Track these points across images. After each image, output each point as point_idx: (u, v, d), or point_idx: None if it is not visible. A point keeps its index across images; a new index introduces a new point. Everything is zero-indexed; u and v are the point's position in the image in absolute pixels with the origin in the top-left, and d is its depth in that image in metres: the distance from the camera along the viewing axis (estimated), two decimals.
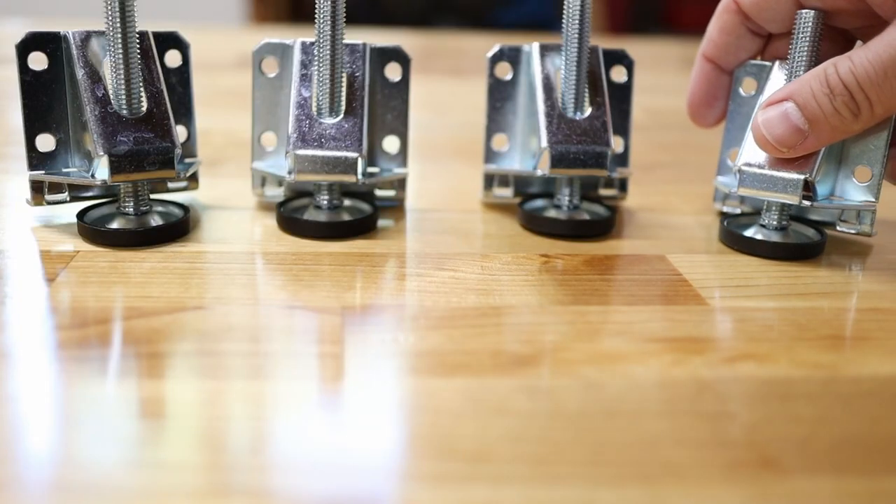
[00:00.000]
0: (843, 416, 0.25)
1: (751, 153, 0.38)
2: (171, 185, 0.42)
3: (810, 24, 0.37)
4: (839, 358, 0.29)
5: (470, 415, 0.25)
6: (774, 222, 0.39)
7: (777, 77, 0.40)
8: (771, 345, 0.30)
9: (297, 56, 0.40)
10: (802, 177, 0.36)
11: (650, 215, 0.44)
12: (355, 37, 0.41)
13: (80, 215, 0.37)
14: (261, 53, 0.41)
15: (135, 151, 0.36)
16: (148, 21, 0.39)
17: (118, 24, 0.36)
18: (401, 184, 0.43)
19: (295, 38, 0.41)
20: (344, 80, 0.39)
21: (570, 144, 0.39)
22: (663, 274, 0.36)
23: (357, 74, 0.40)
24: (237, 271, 0.34)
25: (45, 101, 0.37)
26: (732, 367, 0.28)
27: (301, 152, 0.38)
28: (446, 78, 0.89)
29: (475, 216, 0.43)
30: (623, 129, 0.44)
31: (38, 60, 0.37)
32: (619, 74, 0.43)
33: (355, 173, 0.38)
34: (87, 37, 0.37)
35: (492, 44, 0.43)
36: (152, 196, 0.40)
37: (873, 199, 0.38)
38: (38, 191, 0.38)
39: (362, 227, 0.39)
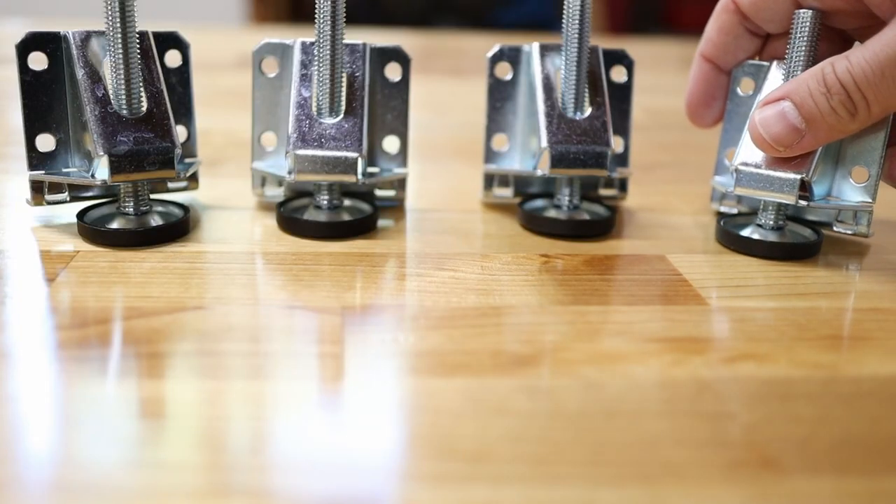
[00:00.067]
0: (843, 416, 0.25)
1: (747, 153, 0.38)
2: (171, 185, 0.42)
3: (808, 23, 0.37)
4: (839, 358, 0.29)
5: (470, 415, 0.25)
6: (771, 222, 0.39)
7: (775, 77, 0.40)
8: (771, 345, 0.30)
9: (297, 56, 0.40)
10: (799, 177, 0.36)
11: (650, 215, 0.44)
12: (355, 37, 0.41)
13: (80, 215, 0.37)
14: (261, 53, 0.41)
15: (135, 151, 0.36)
16: (148, 21, 0.39)
17: (118, 24, 0.36)
18: (401, 184, 0.43)
19: (295, 38, 0.41)
20: (344, 80, 0.39)
21: (570, 144, 0.39)
22: (663, 274, 0.36)
23: (357, 74, 0.40)
24: (237, 271, 0.34)
25: (45, 101, 0.37)
26: (732, 367, 0.28)
27: (301, 152, 0.38)
28: (446, 78, 0.89)
29: (475, 216, 0.43)
30: (623, 129, 0.44)
31: (38, 60, 0.37)
32: (619, 74, 0.43)
33: (355, 173, 0.38)
34: (87, 37, 0.37)
35: (492, 44, 0.43)
36: (152, 196, 0.40)
37: (870, 200, 0.38)
38: (38, 191, 0.38)
39: (362, 227, 0.39)
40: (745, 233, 0.39)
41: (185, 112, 0.41)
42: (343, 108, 0.39)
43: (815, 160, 0.37)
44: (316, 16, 0.38)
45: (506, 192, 0.44)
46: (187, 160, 0.41)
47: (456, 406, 0.25)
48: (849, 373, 0.28)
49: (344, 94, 0.39)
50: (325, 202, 0.40)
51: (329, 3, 0.37)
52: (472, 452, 0.23)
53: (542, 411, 0.25)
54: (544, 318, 0.31)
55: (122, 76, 0.36)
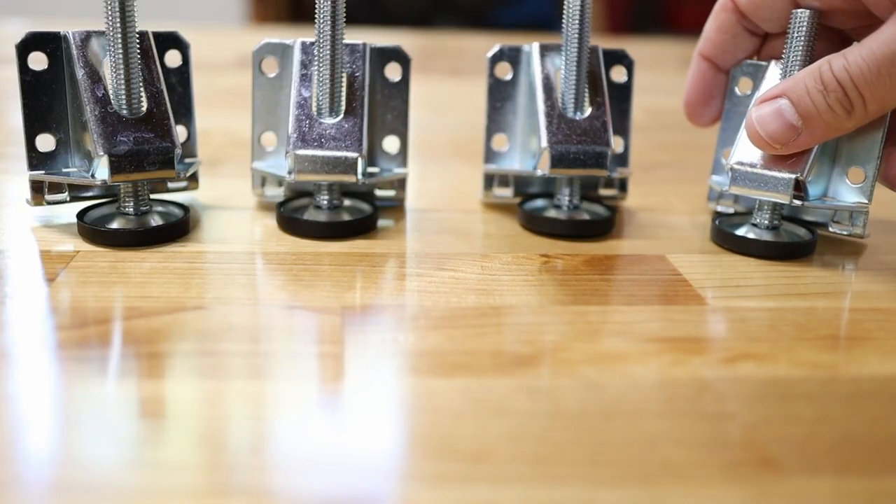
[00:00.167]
0: (843, 416, 0.25)
1: (743, 152, 0.38)
2: (171, 185, 0.42)
3: (805, 23, 0.37)
4: (839, 358, 0.29)
5: (470, 415, 0.25)
6: (766, 221, 0.39)
7: (772, 76, 0.40)
8: (771, 345, 0.30)
9: (297, 56, 0.40)
10: (793, 176, 0.36)
11: (650, 215, 0.44)
12: (355, 37, 0.41)
13: (80, 215, 0.38)
14: (261, 53, 0.41)
15: (135, 151, 0.36)
16: (148, 21, 0.39)
17: (118, 24, 0.36)
18: (401, 184, 0.43)
19: (295, 38, 0.41)
20: (344, 80, 0.39)
21: (570, 144, 0.39)
22: (663, 274, 0.36)
23: (357, 74, 0.40)
24: (237, 271, 0.34)
25: (45, 101, 0.37)
26: (732, 367, 0.28)
27: (301, 152, 0.38)
28: (446, 78, 0.89)
29: (475, 216, 0.43)
30: (623, 129, 0.44)
31: (38, 60, 0.37)
32: (619, 74, 0.43)
33: (355, 173, 0.38)
34: (87, 37, 0.37)
35: (492, 44, 0.43)
36: (152, 196, 0.40)
37: (866, 201, 0.38)
38: (38, 191, 0.38)
39: (362, 227, 0.39)
40: (741, 232, 0.39)
41: (185, 112, 0.41)
42: (343, 108, 0.39)
43: (811, 160, 0.36)
44: (316, 16, 0.38)
45: (506, 192, 0.44)
46: (187, 160, 0.41)
47: (456, 406, 0.25)
48: (848, 373, 0.28)
49: (344, 94, 0.39)
50: (325, 202, 0.40)
51: (329, 3, 0.37)
52: (472, 452, 0.23)
53: (542, 411, 0.25)
54: (544, 318, 0.31)
55: (122, 76, 0.36)
